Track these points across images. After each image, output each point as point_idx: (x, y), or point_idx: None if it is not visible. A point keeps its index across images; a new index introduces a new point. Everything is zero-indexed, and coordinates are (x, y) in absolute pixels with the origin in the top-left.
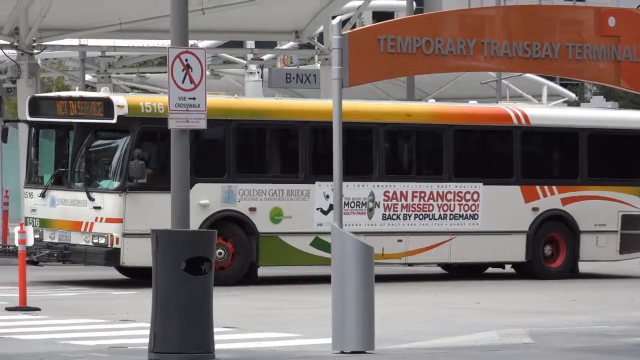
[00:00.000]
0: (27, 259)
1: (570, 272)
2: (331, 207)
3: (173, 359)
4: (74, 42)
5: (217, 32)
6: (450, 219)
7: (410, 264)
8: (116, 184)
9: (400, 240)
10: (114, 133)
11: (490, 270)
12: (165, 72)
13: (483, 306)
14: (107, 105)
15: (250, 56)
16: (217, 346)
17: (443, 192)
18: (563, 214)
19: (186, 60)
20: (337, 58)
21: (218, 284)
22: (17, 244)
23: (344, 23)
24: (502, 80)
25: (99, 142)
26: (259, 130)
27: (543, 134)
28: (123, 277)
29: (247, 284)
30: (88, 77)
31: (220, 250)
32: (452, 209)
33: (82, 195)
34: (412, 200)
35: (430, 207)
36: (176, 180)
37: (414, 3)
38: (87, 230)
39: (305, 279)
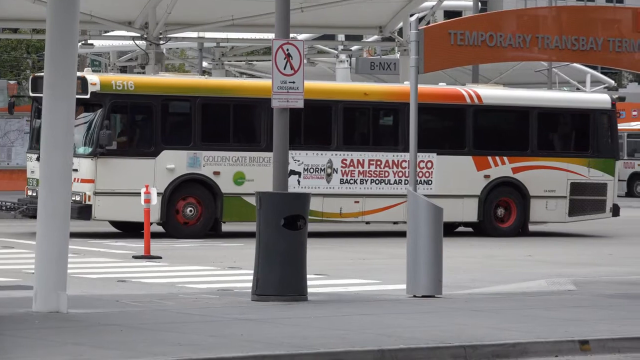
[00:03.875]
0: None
1: (521, 231)
2: (291, 172)
3: (272, 300)
4: (194, 34)
5: (313, 26)
6: (404, 184)
7: (367, 222)
8: (89, 150)
9: (357, 202)
10: (88, 107)
11: (542, 227)
12: (270, 60)
13: (533, 259)
14: (82, 83)
15: (340, 47)
16: (309, 290)
17: (399, 160)
18: (514, 180)
19: (287, 50)
20: (414, 49)
21: (188, 237)
22: (142, 203)
23: (420, 20)
24: (553, 69)
25: (78, 114)
26: (222, 105)
27: (495, 112)
28: (230, 231)
29: (213, 237)
30: (205, 64)
31: (190, 208)
32: (407, 175)
33: None
34: (369, 167)
35: (387, 174)
36: (278, 151)
37: (479, 3)
38: None
39: (380, 233)
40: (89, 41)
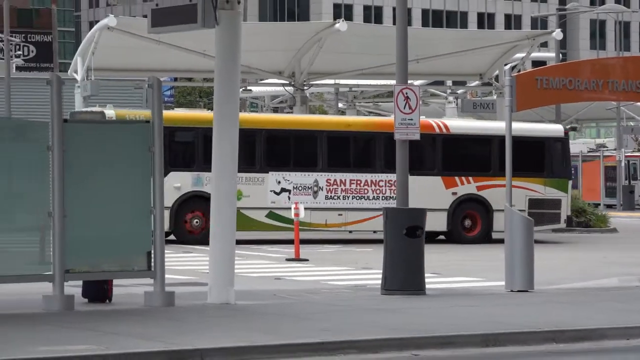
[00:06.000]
0: None
1: (485, 239)
2: (282, 189)
3: (397, 294)
4: (331, 81)
5: (426, 74)
6: (382, 199)
7: (350, 231)
8: None
9: (340, 214)
10: None
11: (609, 235)
12: (392, 102)
13: (607, 260)
14: (102, 116)
15: (448, 91)
16: (427, 286)
17: (376, 180)
18: (478, 197)
19: (406, 93)
20: (508, 92)
21: (193, 244)
22: (292, 216)
23: (512, 68)
24: (621, 107)
25: None
26: None
27: (460, 140)
28: (359, 237)
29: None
30: (340, 105)
31: (196, 220)
32: (383, 192)
33: None
34: (350, 186)
35: (366, 191)
36: (400, 174)
37: (560, 54)
38: None
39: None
40: (248, 87)
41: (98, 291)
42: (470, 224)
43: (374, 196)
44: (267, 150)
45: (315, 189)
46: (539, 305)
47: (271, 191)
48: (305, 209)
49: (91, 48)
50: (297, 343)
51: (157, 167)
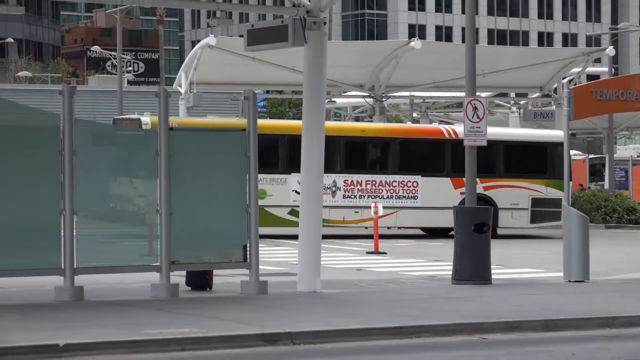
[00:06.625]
0: None
1: (491, 235)
2: None
3: (466, 284)
4: (406, 93)
5: (492, 87)
6: (395, 198)
7: (366, 227)
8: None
9: (357, 212)
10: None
11: (547, 231)
12: (461, 111)
13: None
14: (138, 123)
15: (512, 102)
16: (493, 276)
17: (390, 181)
18: (485, 196)
19: (474, 104)
20: (566, 103)
21: None
22: (372, 214)
23: (570, 81)
24: None
25: None
26: None
27: None
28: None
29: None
30: (414, 114)
31: None
32: (397, 192)
33: None
34: (366, 186)
35: (380, 191)
36: (468, 177)
37: (612, 69)
38: None
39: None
40: (332, 99)
41: (200, 280)
42: None
43: (387, 195)
44: (289, 153)
45: (334, 188)
46: (594, 294)
47: (293, 190)
48: (324, 207)
49: (193, 64)
50: (377, 327)
51: (251, 170)
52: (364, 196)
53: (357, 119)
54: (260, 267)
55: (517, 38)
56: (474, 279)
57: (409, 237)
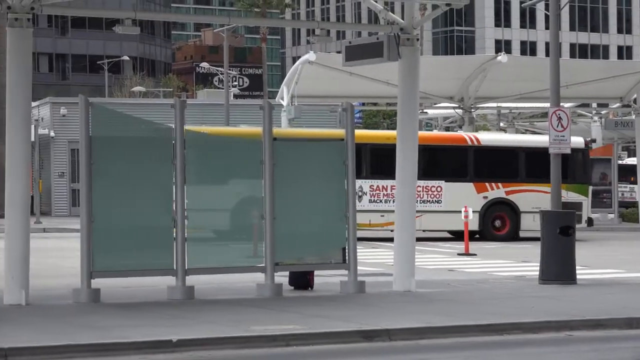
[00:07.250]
0: None
1: (513, 237)
2: None
3: (552, 283)
4: (494, 104)
5: (575, 98)
6: (420, 203)
7: (391, 230)
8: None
9: (382, 216)
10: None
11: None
12: (546, 121)
13: None
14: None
15: (594, 111)
16: (578, 276)
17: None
18: (507, 200)
19: (559, 114)
20: None
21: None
22: (463, 218)
23: None
24: None
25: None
26: None
27: (490, 150)
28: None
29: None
30: (501, 124)
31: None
32: (422, 196)
33: None
34: (391, 191)
35: None
36: (554, 182)
37: None
38: None
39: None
40: (424, 110)
41: (302, 280)
42: (500, 224)
43: None
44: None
45: (360, 193)
46: None
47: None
48: None
49: (295, 79)
50: (469, 324)
51: (349, 177)
52: (389, 201)
53: (447, 129)
54: (359, 268)
55: (597, 51)
56: (559, 279)
57: (476, 240)
